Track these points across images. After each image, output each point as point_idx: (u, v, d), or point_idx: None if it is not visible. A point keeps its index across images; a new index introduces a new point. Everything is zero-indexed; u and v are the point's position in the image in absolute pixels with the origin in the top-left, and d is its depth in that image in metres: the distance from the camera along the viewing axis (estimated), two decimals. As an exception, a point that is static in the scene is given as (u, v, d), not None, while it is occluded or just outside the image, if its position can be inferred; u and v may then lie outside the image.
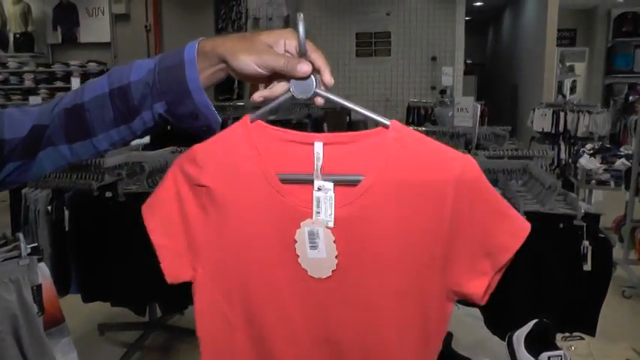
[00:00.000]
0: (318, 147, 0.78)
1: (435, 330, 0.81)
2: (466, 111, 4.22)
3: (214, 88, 9.03)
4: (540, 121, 6.29)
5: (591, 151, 5.42)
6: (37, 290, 1.81)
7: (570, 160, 5.94)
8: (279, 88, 0.82)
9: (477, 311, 1.55)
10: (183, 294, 2.92)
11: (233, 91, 8.73)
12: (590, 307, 2.18)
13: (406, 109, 7.10)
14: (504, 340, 1.26)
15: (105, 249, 2.83)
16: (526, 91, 8.99)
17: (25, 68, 9.43)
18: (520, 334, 1.16)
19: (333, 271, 0.78)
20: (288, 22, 8.44)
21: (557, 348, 1.11)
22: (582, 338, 1.38)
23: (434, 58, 8.11)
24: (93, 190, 2.89)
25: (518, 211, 2.19)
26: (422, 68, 8.25)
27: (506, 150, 3.36)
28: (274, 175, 0.79)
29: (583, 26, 9.91)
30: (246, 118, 0.82)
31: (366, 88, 8.52)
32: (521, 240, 0.77)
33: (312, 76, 0.78)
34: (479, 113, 3.04)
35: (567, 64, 9.65)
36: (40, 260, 1.87)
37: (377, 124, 0.79)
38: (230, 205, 0.81)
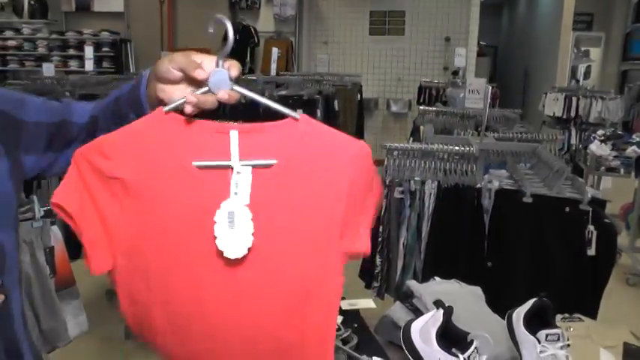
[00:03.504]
0: (234, 135, 0.85)
1: (335, 292, 0.89)
2: (477, 92, 4.21)
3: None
4: (552, 105, 6.25)
5: (602, 138, 5.39)
6: (50, 252, 1.86)
7: (580, 146, 5.92)
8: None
9: (478, 289, 1.57)
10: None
11: (245, 65, 8.70)
12: (593, 291, 2.21)
13: (417, 89, 7.06)
14: (504, 319, 1.29)
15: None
16: (539, 75, 8.91)
17: (39, 35, 9.42)
18: (519, 312, 1.19)
19: (248, 249, 0.83)
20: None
21: (555, 327, 1.13)
22: (581, 320, 1.41)
23: (447, 39, 8.03)
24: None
25: (525, 194, 2.21)
26: (435, 48, 8.17)
27: (516, 133, 3.36)
28: (191, 164, 0.84)
29: (601, 11, 9.75)
30: (160, 109, 0.86)
31: (379, 67, 8.46)
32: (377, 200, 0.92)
33: (227, 73, 0.87)
34: (490, 95, 3.01)
35: (582, 48, 9.52)
36: (52, 223, 1.91)
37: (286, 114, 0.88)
38: (146, 195, 0.84)
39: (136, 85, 0.94)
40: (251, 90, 0.93)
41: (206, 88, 0.86)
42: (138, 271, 0.86)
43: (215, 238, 0.83)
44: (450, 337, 1.10)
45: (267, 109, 0.92)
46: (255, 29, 8.64)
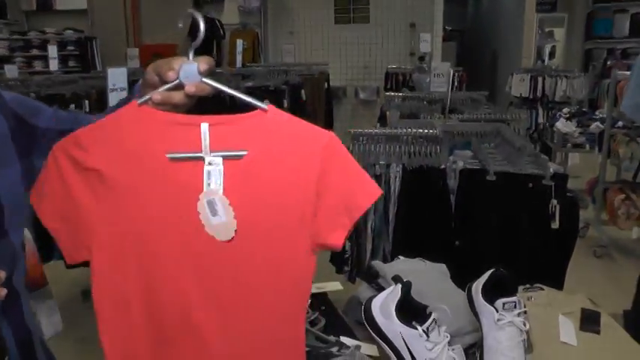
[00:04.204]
0: (205, 127, 0.87)
1: (305, 278, 0.92)
2: (442, 76, 4.26)
3: (194, 54, 8.83)
4: (518, 86, 6.35)
5: (567, 115, 5.51)
6: (16, 253, 1.84)
7: (548, 124, 6.03)
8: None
9: (443, 266, 1.60)
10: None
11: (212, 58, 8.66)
12: (558, 263, 2.27)
13: (384, 75, 7.11)
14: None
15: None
16: (505, 57, 9.03)
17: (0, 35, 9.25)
18: (478, 284, 1.22)
19: (235, 231, 0.87)
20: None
21: (512, 295, 1.17)
22: (542, 289, 1.45)
23: (413, 25, 8.09)
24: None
25: (488, 172, 2.26)
26: (401, 35, 8.22)
27: (482, 114, 3.41)
28: (164, 155, 0.86)
29: (563, -8, 9.89)
30: (134, 102, 0.88)
31: (345, 55, 8.49)
32: (372, 200, 0.92)
33: (195, 66, 0.90)
34: (452, 78, 3.06)
35: (547, 29, 9.65)
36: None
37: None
38: (122, 186, 0.86)
39: (130, 97, 0.99)
40: (220, 83, 0.94)
41: (176, 82, 0.89)
42: (116, 262, 0.87)
43: (203, 226, 0.86)
44: (410, 311, 1.13)
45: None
46: (220, 22, 8.61)
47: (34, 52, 9.09)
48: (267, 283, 0.89)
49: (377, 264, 1.58)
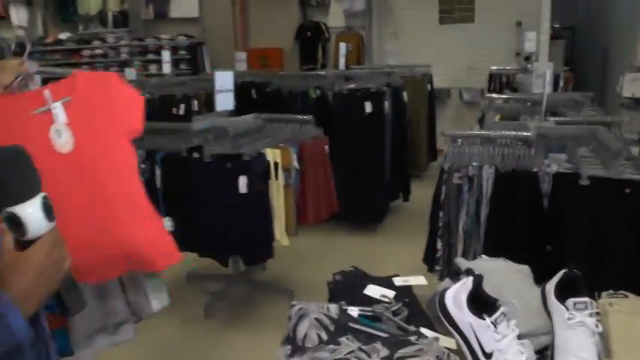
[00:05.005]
0: (46, 92, 1.65)
1: (129, 155, 1.77)
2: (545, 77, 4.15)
3: (300, 57, 9.25)
4: (630, 86, 6.02)
5: (684, 118, 5.16)
6: (133, 236, 2.09)
7: (663, 128, 5.67)
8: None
9: (526, 267, 1.62)
10: (261, 249, 3.19)
11: (317, 61, 8.89)
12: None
13: (488, 77, 6.97)
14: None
15: (192, 204, 3.12)
16: (617, 56, 8.52)
17: (122, 42, 10.07)
18: (551, 284, 1.26)
19: (74, 144, 1.65)
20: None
21: (584, 296, 1.20)
22: (626, 296, 1.43)
23: (519, 23, 7.85)
24: (182, 151, 3.17)
25: (581, 176, 2.23)
26: (506, 34, 8.00)
27: (583, 117, 3.32)
28: (30, 112, 1.64)
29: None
30: None
31: (450, 56, 8.38)
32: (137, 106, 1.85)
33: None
34: (549, 79, 3.02)
35: (667, 26, 9.02)
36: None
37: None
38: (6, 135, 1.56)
39: None
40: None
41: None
42: None
43: (53, 145, 1.64)
44: (481, 303, 1.19)
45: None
46: (325, 25, 8.80)
47: (150, 56, 9.78)
48: (105, 169, 1.68)
49: (460, 261, 1.63)
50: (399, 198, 5.33)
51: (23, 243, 0.92)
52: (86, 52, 10.30)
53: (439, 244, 2.66)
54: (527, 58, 6.92)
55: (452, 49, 8.34)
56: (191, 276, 3.96)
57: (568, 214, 2.32)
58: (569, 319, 1.17)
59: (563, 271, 1.26)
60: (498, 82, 6.76)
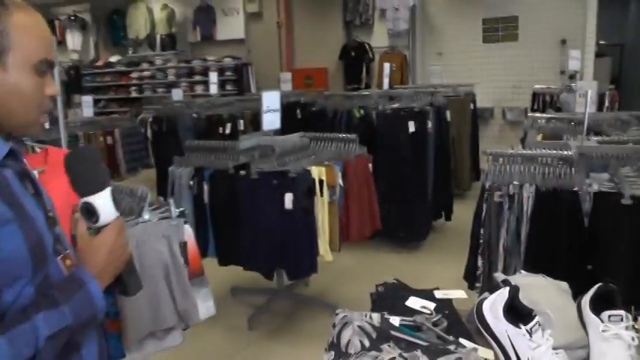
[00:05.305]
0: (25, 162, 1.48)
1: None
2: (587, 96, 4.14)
3: (344, 77, 9.40)
4: (681, 106, 5.89)
5: None
6: (183, 246, 2.21)
7: None
8: None
9: (564, 284, 1.65)
10: (305, 264, 3.28)
11: (361, 80, 9.01)
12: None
13: (531, 96, 6.94)
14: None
15: (238, 219, 3.24)
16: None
17: (169, 64, 10.44)
18: (587, 296, 1.30)
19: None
20: (414, 12, 8.53)
21: (619, 309, 1.23)
22: None
23: (564, 41, 7.79)
24: (229, 168, 3.31)
25: (624, 195, 2.24)
26: (550, 52, 7.94)
27: (628, 137, 3.30)
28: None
29: None
30: None
31: (494, 75, 8.38)
32: None
33: None
34: (591, 98, 3.02)
35: None
36: (185, 222, 2.26)
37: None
38: None
39: None
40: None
41: None
42: None
43: None
44: (517, 313, 1.24)
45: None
46: (369, 45, 8.93)
47: (197, 77, 10.10)
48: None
49: (498, 275, 1.67)
50: (441, 217, 5.35)
51: (94, 230, 1.09)
52: (135, 74, 10.75)
53: (480, 262, 2.69)
54: (572, 77, 6.87)
55: (496, 67, 8.33)
56: (236, 290, 4.07)
57: (609, 233, 2.33)
58: (604, 331, 1.21)
59: (598, 285, 1.29)
60: (542, 101, 6.73)
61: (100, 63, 11.07)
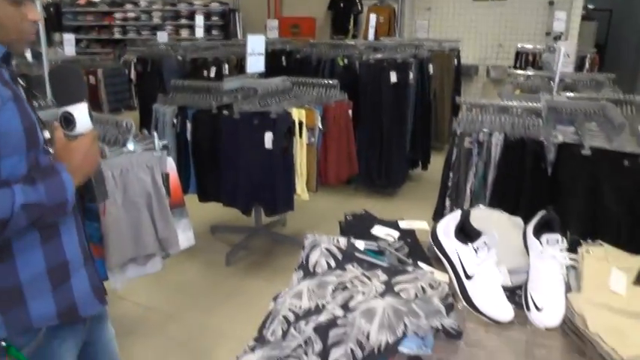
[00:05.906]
0: None
1: None
2: (568, 56, 4.24)
3: (331, 27, 9.35)
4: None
5: None
6: (166, 177, 2.30)
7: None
8: None
9: (519, 219, 1.76)
10: (281, 200, 3.39)
11: (348, 32, 9.00)
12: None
13: (514, 55, 7.03)
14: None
15: (219, 157, 3.34)
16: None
17: (154, 7, 10.28)
18: (530, 224, 1.44)
19: None
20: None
21: (556, 233, 1.37)
22: (602, 245, 1.59)
23: (551, 3, 7.84)
24: (212, 108, 3.38)
25: (584, 147, 2.37)
26: (538, 13, 8.00)
27: (600, 96, 3.42)
28: None
29: None
30: None
31: (481, 33, 8.42)
32: None
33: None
34: (562, 55, 3.13)
35: None
36: (168, 154, 2.36)
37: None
38: None
39: None
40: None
41: None
42: None
43: None
44: (467, 233, 1.38)
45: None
46: (359, -3, 8.90)
47: (183, 21, 10.00)
48: None
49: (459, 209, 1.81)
50: (418, 166, 5.50)
51: (70, 137, 1.22)
52: (118, 15, 10.54)
53: (447, 203, 2.83)
54: (557, 38, 6.94)
55: (483, 26, 8.37)
56: (215, 228, 4.21)
57: (569, 180, 2.47)
58: (541, 252, 1.35)
59: (541, 213, 1.43)
60: (524, 60, 6.81)
61: (81, 1, 10.84)
